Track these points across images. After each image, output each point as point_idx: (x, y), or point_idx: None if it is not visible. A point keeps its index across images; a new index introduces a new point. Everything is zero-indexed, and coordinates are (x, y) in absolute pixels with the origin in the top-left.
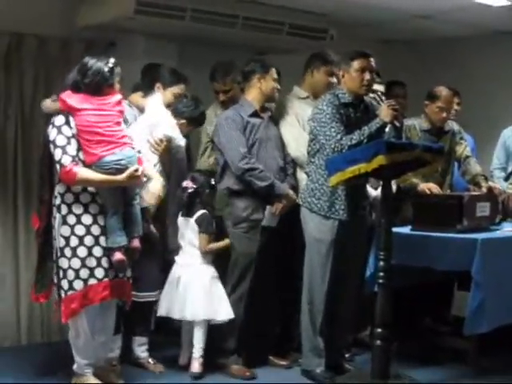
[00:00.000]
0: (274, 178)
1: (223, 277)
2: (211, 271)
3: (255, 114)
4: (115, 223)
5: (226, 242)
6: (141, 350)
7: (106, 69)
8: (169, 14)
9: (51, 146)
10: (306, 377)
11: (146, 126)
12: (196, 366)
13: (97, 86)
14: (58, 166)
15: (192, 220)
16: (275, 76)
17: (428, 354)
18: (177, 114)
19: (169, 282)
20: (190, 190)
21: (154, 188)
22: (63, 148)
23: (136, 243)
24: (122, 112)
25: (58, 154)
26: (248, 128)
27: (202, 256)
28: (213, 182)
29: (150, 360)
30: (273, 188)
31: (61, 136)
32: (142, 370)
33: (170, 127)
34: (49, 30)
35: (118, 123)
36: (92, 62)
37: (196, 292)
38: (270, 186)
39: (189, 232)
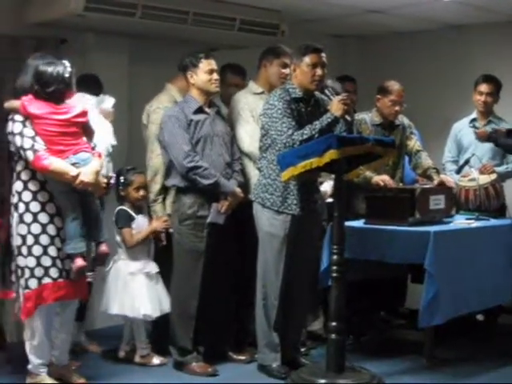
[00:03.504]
0: (221, 174)
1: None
2: (136, 266)
3: (200, 110)
4: (76, 229)
5: (150, 227)
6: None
7: (67, 74)
8: (119, 11)
9: (17, 138)
10: (262, 372)
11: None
12: (136, 358)
13: (60, 94)
14: (29, 153)
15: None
16: (209, 67)
17: (383, 346)
18: None
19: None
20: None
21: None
22: (32, 138)
23: (104, 248)
24: (83, 123)
25: (27, 142)
26: (192, 125)
27: (128, 251)
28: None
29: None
30: (218, 186)
31: (27, 129)
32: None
33: None
34: None
35: (75, 132)
36: (51, 70)
37: (113, 287)
38: (214, 183)
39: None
